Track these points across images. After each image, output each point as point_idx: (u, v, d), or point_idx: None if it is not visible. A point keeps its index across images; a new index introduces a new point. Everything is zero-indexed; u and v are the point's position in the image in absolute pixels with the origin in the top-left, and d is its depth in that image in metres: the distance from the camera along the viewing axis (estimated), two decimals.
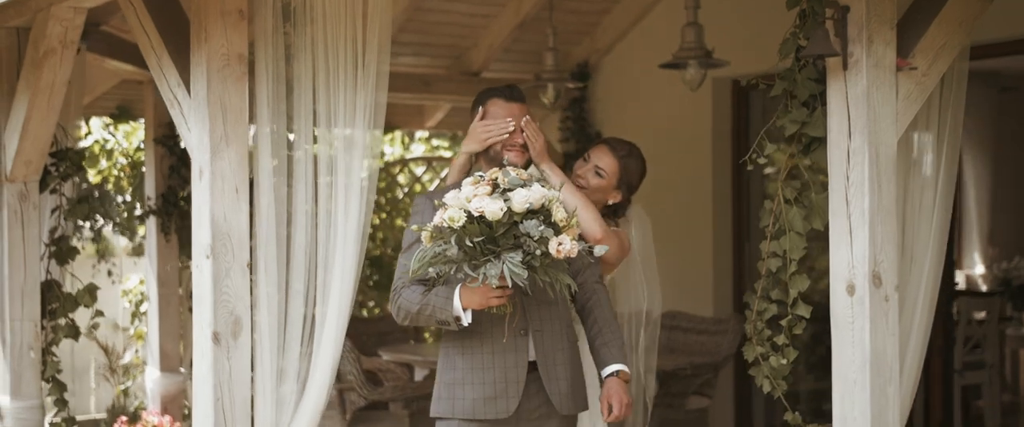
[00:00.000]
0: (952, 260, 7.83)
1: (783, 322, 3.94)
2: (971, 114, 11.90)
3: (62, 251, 5.88)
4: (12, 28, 5.62)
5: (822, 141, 3.86)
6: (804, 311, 3.91)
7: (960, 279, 12.17)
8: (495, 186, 3.84)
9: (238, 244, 4.24)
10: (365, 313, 9.08)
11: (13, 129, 5.59)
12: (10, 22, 5.58)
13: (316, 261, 4.35)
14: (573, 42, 9.23)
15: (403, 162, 9.68)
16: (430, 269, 3.89)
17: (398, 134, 10.00)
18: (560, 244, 3.82)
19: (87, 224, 7.75)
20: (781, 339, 3.96)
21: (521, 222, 3.81)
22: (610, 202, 4.54)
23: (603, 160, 4.52)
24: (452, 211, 3.79)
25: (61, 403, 5.83)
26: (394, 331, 7.85)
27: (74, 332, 5.84)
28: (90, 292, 5.84)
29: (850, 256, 3.75)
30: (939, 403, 7.52)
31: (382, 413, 6.70)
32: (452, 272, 3.89)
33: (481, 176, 3.91)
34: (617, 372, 4.17)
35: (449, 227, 3.78)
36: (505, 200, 3.79)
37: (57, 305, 5.82)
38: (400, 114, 9.64)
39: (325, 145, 4.32)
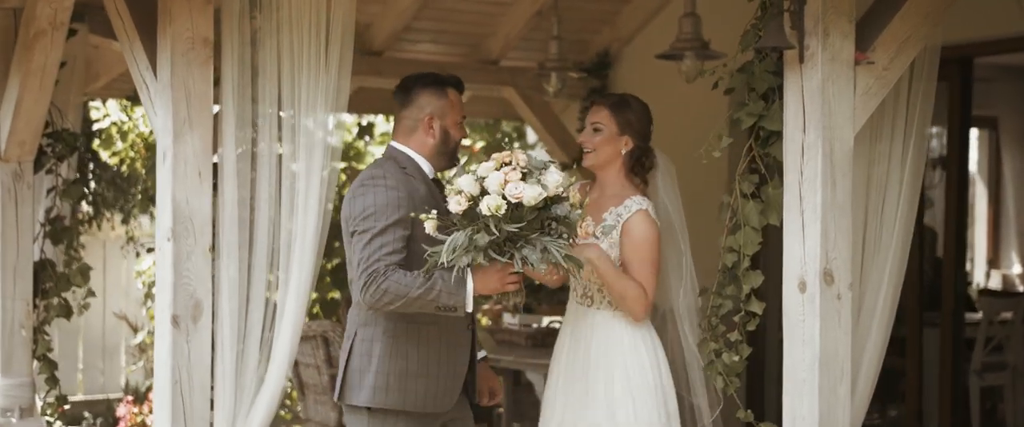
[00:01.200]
0: (962, 259, 7.66)
1: (736, 318, 3.88)
2: (1012, 108, 11.64)
3: (57, 231, 5.93)
4: (8, 9, 5.66)
5: (780, 135, 3.79)
6: (757, 307, 3.85)
7: (996, 279, 11.97)
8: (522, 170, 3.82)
9: (200, 228, 4.26)
10: None
11: (7, 110, 5.64)
12: (6, 3, 5.63)
13: (278, 246, 4.34)
14: (593, 31, 9.17)
15: None
16: (463, 258, 3.79)
17: None
18: (585, 225, 3.91)
19: (87, 206, 7.78)
20: (734, 336, 3.90)
21: (552, 206, 3.83)
22: (624, 151, 4.43)
23: (596, 116, 4.46)
24: (493, 199, 3.73)
25: (52, 381, 5.89)
26: None
27: (66, 312, 5.90)
28: (82, 272, 5.88)
29: (802, 252, 3.68)
30: (949, 406, 7.39)
31: None
32: (481, 259, 3.81)
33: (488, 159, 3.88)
34: (485, 357, 4.32)
35: (491, 215, 3.73)
36: (542, 185, 3.79)
37: (51, 285, 5.87)
38: None
39: (289, 130, 4.31)
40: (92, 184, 8.25)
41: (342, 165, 9.19)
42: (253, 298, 4.35)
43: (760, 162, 3.84)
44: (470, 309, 3.95)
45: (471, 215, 3.80)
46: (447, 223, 3.85)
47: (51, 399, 5.94)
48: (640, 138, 4.46)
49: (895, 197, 4.01)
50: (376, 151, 10.21)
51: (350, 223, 3.98)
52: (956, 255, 7.48)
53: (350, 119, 9.78)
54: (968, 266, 12.57)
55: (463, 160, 4.05)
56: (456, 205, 3.80)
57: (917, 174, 4.04)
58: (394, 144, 4.20)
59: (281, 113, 4.33)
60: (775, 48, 3.65)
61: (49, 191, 5.95)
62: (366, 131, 9.39)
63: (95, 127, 8.44)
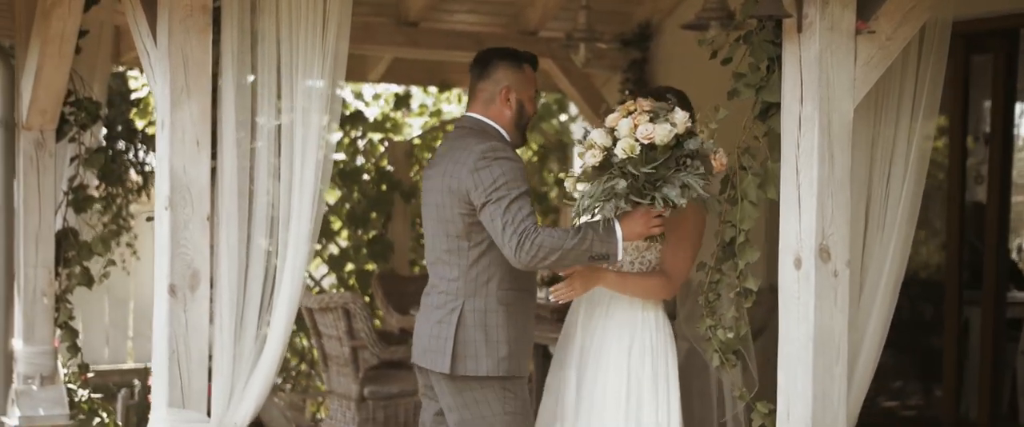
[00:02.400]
0: (1006, 236, 7.43)
1: (732, 295, 3.78)
2: None
3: (80, 200, 5.96)
4: None
5: (780, 107, 3.67)
6: (752, 284, 3.75)
7: None
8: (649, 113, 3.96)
9: (197, 196, 4.23)
10: (417, 270, 9.07)
11: (27, 78, 5.66)
12: None
13: (278, 215, 4.30)
14: (635, 2, 9.04)
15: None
16: (607, 206, 3.93)
17: (456, 92, 9.93)
18: (719, 156, 3.97)
19: (136, 176, 7.81)
20: (731, 312, 3.80)
21: (683, 143, 3.92)
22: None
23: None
24: (625, 142, 3.85)
25: (73, 349, 5.93)
26: None
27: (88, 280, 5.92)
28: (104, 241, 5.91)
29: (798, 228, 3.57)
30: (988, 387, 7.21)
31: (395, 372, 6.68)
32: (624, 205, 3.94)
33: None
34: None
35: (627, 158, 3.85)
36: (670, 123, 3.90)
37: (73, 253, 5.90)
38: (458, 72, 9.55)
39: (288, 98, 4.26)
40: (141, 153, 8.27)
41: (379, 136, 9.14)
42: (252, 267, 4.32)
43: (758, 136, 3.73)
44: (621, 256, 4.07)
45: (606, 166, 3.93)
46: (586, 179, 4.00)
47: (74, 368, 5.97)
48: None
49: (900, 174, 3.87)
50: (414, 123, 10.18)
51: (479, 194, 4.08)
52: (998, 231, 7.28)
53: (387, 90, 9.74)
54: (1021, 242, 12.30)
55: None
56: (592, 159, 3.93)
57: (924, 151, 3.91)
58: (474, 115, 4.32)
59: (280, 80, 4.27)
60: (771, 16, 3.54)
61: (72, 159, 5.97)
62: (403, 102, 9.34)
63: (133, 97, 8.47)
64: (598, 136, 3.97)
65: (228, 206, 4.30)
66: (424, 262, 9.17)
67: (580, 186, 4.14)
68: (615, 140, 3.94)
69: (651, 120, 3.93)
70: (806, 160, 3.55)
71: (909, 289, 8.60)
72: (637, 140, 3.88)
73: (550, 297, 4.30)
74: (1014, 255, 11.22)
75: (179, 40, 4.19)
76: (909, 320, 8.69)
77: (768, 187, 3.71)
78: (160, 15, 4.23)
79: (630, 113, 3.98)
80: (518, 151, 4.30)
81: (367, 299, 8.70)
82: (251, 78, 4.30)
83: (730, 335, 3.78)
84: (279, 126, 4.31)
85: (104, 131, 7.20)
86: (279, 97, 4.30)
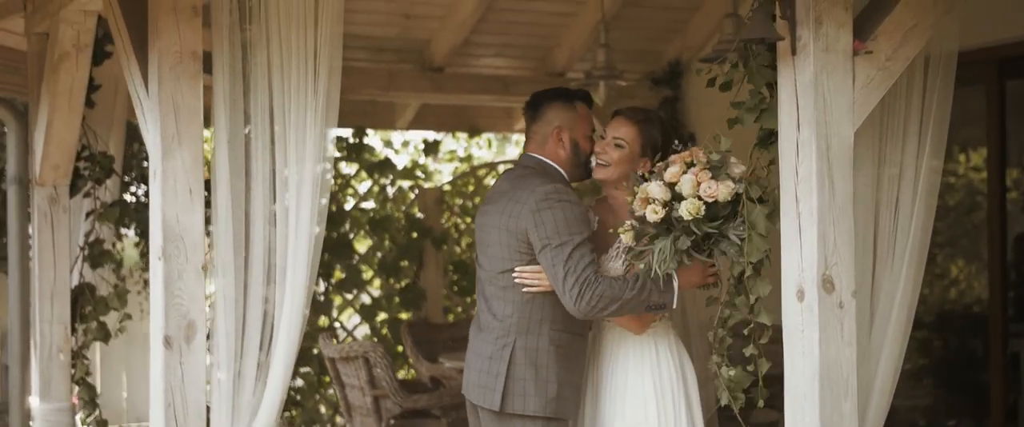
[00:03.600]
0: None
1: (746, 331, 3.63)
2: None
3: (96, 255, 5.91)
4: (40, 33, 5.67)
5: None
6: (766, 319, 3.59)
7: None
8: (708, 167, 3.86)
9: (191, 246, 4.15)
10: (451, 318, 8.96)
11: (39, 133, 5.65)
12: (37, 28, 5.64)
13: (275, 262, 4.22)
14: (664, 40, 8.94)
15: (491, 165, 9.54)
16: (672, 263, 3.90)
17: (486, 137, 9.85)
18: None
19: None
20: (750, 349, 3.64)
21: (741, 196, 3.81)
22: (640, 173, 4.19)
23: (620, 130, 4.27)
24: (691, 204, 3.77)
25: (90, 406, 5.86)
26: (464, 337, 7.69)
27: (104, 335, 5.87)
28: (120, 296, 5.85)
29: (799, 258, 3.42)
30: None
31: (420, 421, 6.55)
32: (686, 260, 3.91)
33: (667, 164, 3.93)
34: None
35: (691, 218, 3.78)
36: (731, 178, 3.80)
37: (90, 309, 5.85)
38: (487, 116, 9.49)
39: (281, 143, 4.19)
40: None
41: (409, 183, 9.07)
42: (249, 316, 4.23)
43: (763, 164, 3.59)
44: (675, 306, 4.08)
45: (667, 221, 3.86)
46: (643, 233, 3.95)
47: (90, 422, 5.91)
48: (659, 156, 4.19)
49: (909, 200, 3.71)
50: (444, 169, 10.11)
51: (540, 237, 4.07)
52: None
53: (416, 137, 9.69)
54: None
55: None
56: (652, 214, 3.86)
57: (935, 172, 3.74)
58: (533, 155, 4.33)
59: (275, 127, 4.21)
60: (762, 40, 3.41)
61: (87, 214, 5.94)
62: (432, 149, 9.27)
63: None
64: (657, 191, 3.86)
65: (224, 255, 4.21)
66: (457, 309, 9.16)
67: (625, 237, 4.04)
68: (675, 195, 3.86)
69: (712, 176, 3.82)
70: (805, 187, 3.40)
71: (956, 324, 8.42)
72: (700, 198, 3.79)
73: (515, 279, 4.15)
74: None
75: (169, 87, 4.13)
76: (958, 356, 8.45)
77: (776, 217, 3.56)
78: (151, 62, 4.17)
79: (689, 165, 3.87)
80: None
81: (399, 349, 8.60)
82: (247, 128, 4.22)
83: (731, 372, 3.63)
84: (273, 172, 4.22)
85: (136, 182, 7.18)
86: (272, 142, 4.22)
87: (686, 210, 3.77)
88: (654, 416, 4.16)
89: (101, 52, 5.61)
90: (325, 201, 4.22)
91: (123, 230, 6.66)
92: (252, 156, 4.25)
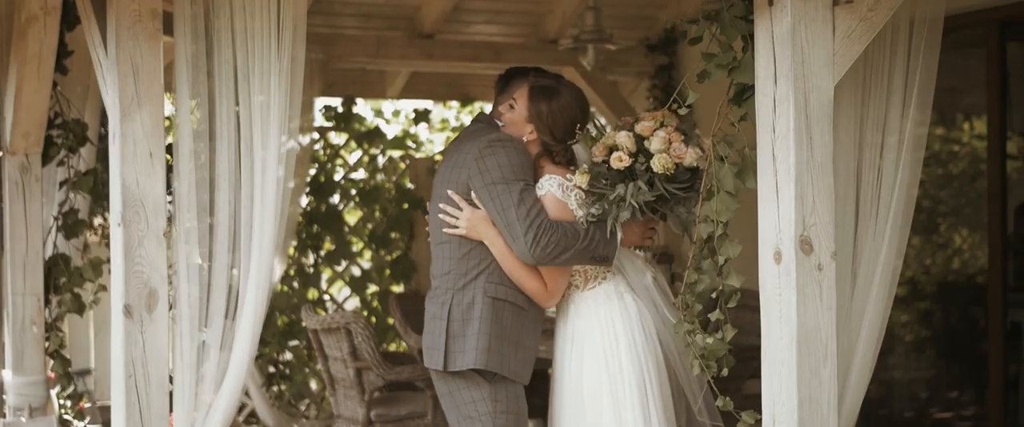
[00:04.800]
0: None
1: (714, 295, 3.48)
2: None
3: (70, 225, 5.78)
4: None
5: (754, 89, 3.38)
6: (735, 281, 3.44)
7: None
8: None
9: (152, 212, 4.00)
10: None
11: (8, 100, 5.50)
12: None
13: (240, 229, 4.08)
14: (659, 6, 8.76)
15: None
16: (624, 212, 3.90)
17: (478, 106, 9.68)
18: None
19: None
20: (716, 314, 3.49)
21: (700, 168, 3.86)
22: (527, 139, 4.14)
23: (518, 92, 4.21)
24: (663, 158, 3.81)
25: (66, 379, 5.74)
26: None
27: (79, 307, 5.73)
28: (94, 267, 5.71)
29: (777, 218, 3.27)
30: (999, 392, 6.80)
31: (404, 394, 6.42)
32: (638, 215, 3.91)
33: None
34: None
35: (660, 173, 3.83)
36: (700, 148, 3.86)
37: (64, 280, 5.71)
38: (479, 85, 9.33)
39: (246, 107, 4.04)
40: None
41: (399, 153, 8.92)
42: (214, 285, 4.09)
43: (734, 121, 3.44)
44: (611, 263, 4.06)
45: (626, 172, 3.87)
46: (600, 175, 3.93)
47: (66, 396, 5.79)
48: (548, 134, 4.13)
49: (894, 161, 3.55)
50: (436, 138, 9.95)
51: (482, 179, 4.01)
52: None
53: (406, 106, 9.53)
54: None
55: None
56: (617, 162, 3.87)
57: (921, 132, 3.58)
58: (486, 114, 4.38)
59: (238, 89, 4.06)
60: None
61: (61, 184, 5.80)
62: (422, 118, 9.11)
63: None
64: (624, 140, 3.88)
65: (187, 221, 4.07)
66: None
67: (580, 177, 4.00)
68: (641, 148, 3.89)
69: (683, 139, 3.89)
70: (783, 144, 3.25)
71: (957, 294, 8.26)
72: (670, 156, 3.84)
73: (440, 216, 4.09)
74: None
75: (128, 47, 3.98)
76: (960, 327, 8.29)
77: (746, 176, 3.41)
78: (109, 21, 4.02)
79: (662, 125, 3.91)
80: None
81: (390, 321, 8.47)
82: (207, 85, 4.07)
83: (710, 340, 3.48)
84: (239, 136, 4.08)
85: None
86: (237, 105, 4.07)
87: (659, 164, 3.80)
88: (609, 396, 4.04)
89: (73, 16, 5.44)
90: (310, 171, 4.05)
91: None
92: (216, 119, 4.10)
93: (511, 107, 4.18)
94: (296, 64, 4.02)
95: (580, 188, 4.01)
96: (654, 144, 3.86)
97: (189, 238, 4.08)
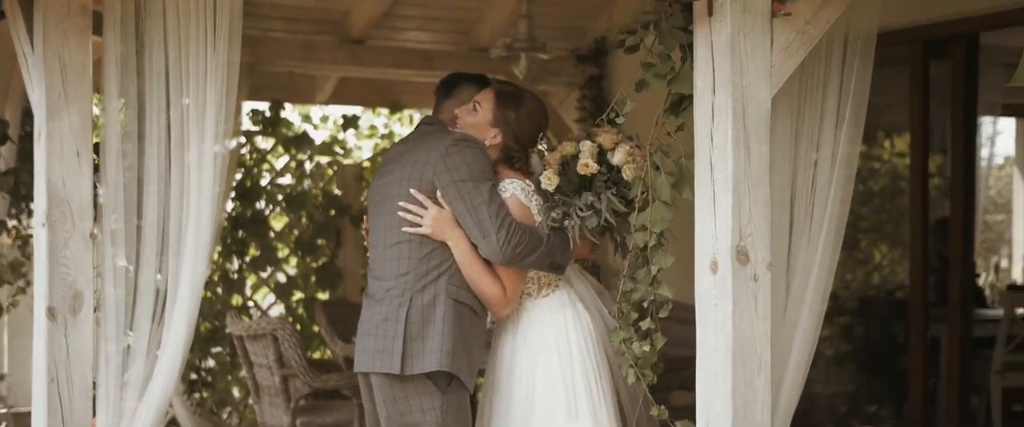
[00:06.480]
0: (970, 252, 7.11)
1: (646, 304, 3.48)
2: None
3: None
4: None
5: (693, 100, 3.39)
6: (667, 291, 3.44)
7: None
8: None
9: (78, 212, 3.91)
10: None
11: None
12: None
13: (169, 230, 4.00)
14: (590, 17, 8.78)
15: None
16: (593, 220, 3.93)
17: (408, 113, 9.65)
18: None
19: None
20: (647, 323, 3.50)
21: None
22: (489, 143, 4.13)
23: (482, 96, 4.21)
24: (633, 168, 3.82)
25: None
26: None
27: None
28: (13, 269, 5.59)
29: (713, 228, 3.28)
30: (957, 406, 6.89)
31: (330, 402, 6.36)
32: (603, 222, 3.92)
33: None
34: None
35: (629, 181, 3.84)
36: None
37: None
38: (409, 92, 9.29)
39: (178, 109, 3.97)
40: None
41: (327, 159, 8.84)
42: (141, 288, 4.00)
43: (670, 131, 3.45)
44: (564, 272, 4.11)
45: (586, 181, 3.92)
46: (569, 183, 3.98)
47: None
48: (513, 139, 4.15)
49: (827, 174, 3.58)
50: (364, 145, 9.89)
51: (450, 176, 4.00)
52: (963, 248, 6.97)
53: (335, 112, 9.45)
54: (1004, 262, 12.01)
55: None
56: (583, 168, 3.92)
57: (854, 146, 3.62)
58: (433, 118, 4.38)
59: (170, 91, 3.99)
60: None
61: None
62: (351, 124, 9.04)
63: None
64: (589, 149, 3.96)
65: (114, 222, 3.98)
66: None
67: (546, 181, 4.02)
68: (602, 159, 3.95)
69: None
70: (720, 153, 3.27)
71: (882, 309, 8.36)
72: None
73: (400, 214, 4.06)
74: (990, 275, 10.96)
75: (55, 43, 3.89)
76: (880, 342, 8.40)
77: (682, 186, 3.42)
78: (36, 16, 3.93)
79: (625, 141, 3.99)
80: None
81: (315, 329, 8.38)
82: (137, 84, 4.00)
83: (646, 348, 3.48)
84: (169, 137, 4.00)
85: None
86: (169, 106, 4.00)
87: (629, 172, 3.82)
88: (562, 394, 4.03)
89: None
90: (224, 172, 3.99)
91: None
92: (146, 119, 4.02)
93: (474, 110, 4.15)
94: (231, 68, 3.95)
95: (539, 195, 4.03)
96: (617, 156, 3.89)
97: (115, 240, 3.99)
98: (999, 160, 12.66)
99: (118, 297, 3.99)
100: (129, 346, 4.01)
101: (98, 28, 4.08)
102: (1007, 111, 11.21)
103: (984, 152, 9.61)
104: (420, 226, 4.02)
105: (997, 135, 11.90)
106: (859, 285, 8.66)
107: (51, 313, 3.90)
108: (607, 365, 4.07)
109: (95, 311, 3.98)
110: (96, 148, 4.05)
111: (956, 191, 6.98)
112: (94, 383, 3.98)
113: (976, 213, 7.73)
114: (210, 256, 4.00)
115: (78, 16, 3.92)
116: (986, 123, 9.50)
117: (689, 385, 6.75)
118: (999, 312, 7.96)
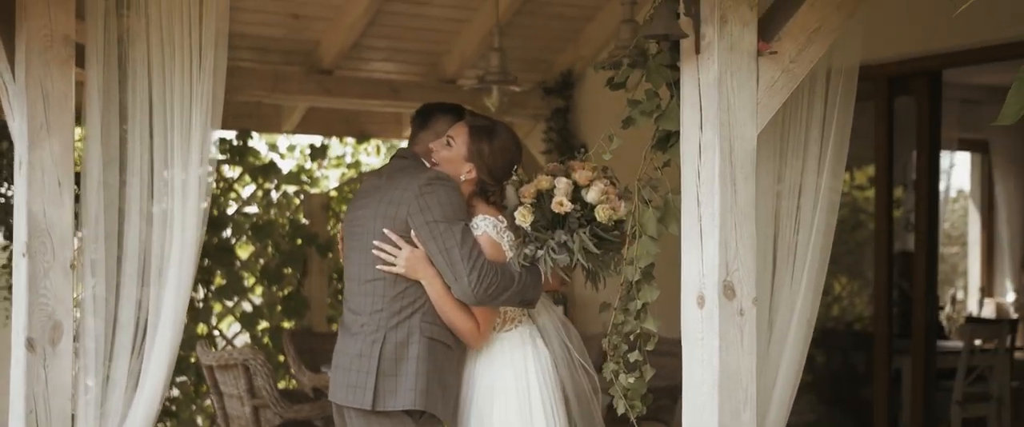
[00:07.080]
0: (933, 285, 7.21)
1: (632, 337, 3.51)
2: (1003, 131, 11.20)
3: None
4: None
5: (679, 136, 3.43)
6: (653, 325, 3.48)
7: (990, 308, 11.53)
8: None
9: (59, 242, 3.89)
10: (335, 327, 8.71)
11: None
12: None
13: (150, 262, 3.98)
14: (556, 50, 8.85)
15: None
16: (565, 258, 4.00)
17: (375, 143, 9.65)
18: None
19: None
20: (635, 356, 3.52)
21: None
22: (465, 178, 4.13)
23: (455, 131, 4.21)
24: (605, 209, 3.91)
25: None
26: None
27: None
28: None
29: (700, 263, 3.31)
30: None
31: None
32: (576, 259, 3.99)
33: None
34: None
35: (605, 221, 3.94)
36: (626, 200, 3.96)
37: None
38: (376, 122, 9.30)
39: (161, 140, 3.96)
40: None
41: (294, 189, 8.83)
42: (121, 319, 3.98)
43: (657, 167, 3.48)
44: (535, 307, 4.17)
45: (560, 219, 3.97)
46: (542, 221, 4.03)
47: None
48: (487, 173, 4.14)
49: (810, 209, 3.64)
50: (331, 174, 9.88)
51: (423, 216, 4.02)
52: (926, 281, 7.07)
53: (302, 141, 9.44)
54: (960, 294, 12.16)
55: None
56: (558, 206, 3.96)
57: (836, 182, 3.68)
58: (408, 150, 4.40)
59: (153, 122, 3.98)
60: (667, 36, 3.30)
61: None
62: (318, 153, 9.04)
63: None
64: (564, 187, 4.00)
65: (94, 253, 3.96)
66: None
67: (521, 217, 4.05)
68: (577, 196, 4.00)
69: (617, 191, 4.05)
70: (707, 189, 3.30)
71: (842, 340, 8.44)
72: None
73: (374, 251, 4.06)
74: (947, 306, 11.09)
75: (38, 72, 3.87)
76: (843, 372, 8.47)
77: (669, 221, 3.46)
78: (18, 45, 3.91)
79: (600, 178, 4.05)
80: None
81: (281, 358, 8.34)
82: (119, 115, 3.99)
83: (632, 380, 3.50)
84: (152, 168, 3.99)
85: None
86: (151, 137, 3.99)
87: (602, 213, 3.90)
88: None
89: None
90: (205, 205, 3.99)
91: None
92: (128, 150, 4.01)
93: (448, 145, 4.16)
94: (215, 101, 3.96)
95: (512, 231, 4.05)
96: (591, 194, 3.94)
97: (95, 270, 3.97)
98: (953, 193, 12.85)
99: (98, 328, 3.97)
100: (108, 377, 3.98)
101: (80, 59, 4.08)
102: (963, 146, 11.41)
103: (941, 186, 9.75)
104: (394, 266, 4.03)
105: (952, 168, 12.10)
106: (820, 316, 8.73)
107: (30, 344, 3.87)
108: (564, 403, 4.11)
109: (74, 341, 3.96)
110: (77, 178, 4.03)
111: (920, 225, 7.09)
112: (73, 416, 3.95)
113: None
114: (191, 285, 3.98)
115: (61, 46, 3.91)
116: (943, 157, 9.64)
117: (662, 416, 6.80)
118: (958, 344, 8.08)
